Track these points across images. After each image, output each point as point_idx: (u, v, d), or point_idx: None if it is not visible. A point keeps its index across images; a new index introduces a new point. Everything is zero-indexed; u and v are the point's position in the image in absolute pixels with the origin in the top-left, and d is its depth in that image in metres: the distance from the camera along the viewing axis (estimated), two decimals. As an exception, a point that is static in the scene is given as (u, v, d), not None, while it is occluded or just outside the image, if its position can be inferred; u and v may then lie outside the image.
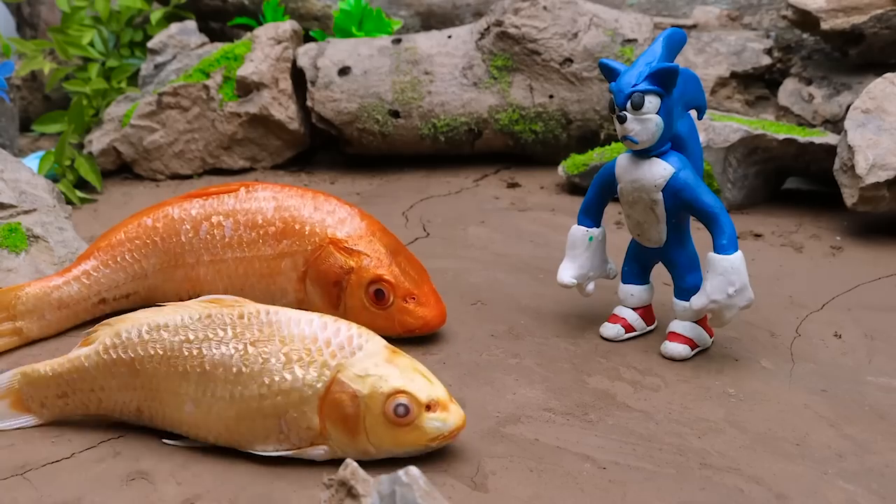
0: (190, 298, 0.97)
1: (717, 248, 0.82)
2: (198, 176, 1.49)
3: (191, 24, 1.59)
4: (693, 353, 0.88)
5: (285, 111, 1.47)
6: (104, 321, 0.78)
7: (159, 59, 1.55)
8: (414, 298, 0.90)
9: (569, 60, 1.41)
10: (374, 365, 0.71)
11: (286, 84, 1.48)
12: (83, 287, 0.95)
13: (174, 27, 1.57)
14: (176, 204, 0.97)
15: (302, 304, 0.93)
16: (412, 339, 0.90)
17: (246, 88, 1.47)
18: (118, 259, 0.96)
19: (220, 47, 1.52)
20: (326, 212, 0.94)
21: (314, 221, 0.93)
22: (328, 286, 0.91)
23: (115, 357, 0.75)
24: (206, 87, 1.47)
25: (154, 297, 0.98)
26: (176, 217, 0.96)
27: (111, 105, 1.52)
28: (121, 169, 1.50)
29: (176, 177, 1.49)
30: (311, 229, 0.93)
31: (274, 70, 1.47)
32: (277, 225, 0.93)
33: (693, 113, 0.88)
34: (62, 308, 0.94)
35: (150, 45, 1.56)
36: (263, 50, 1.48)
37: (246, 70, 1.46)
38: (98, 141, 1.49)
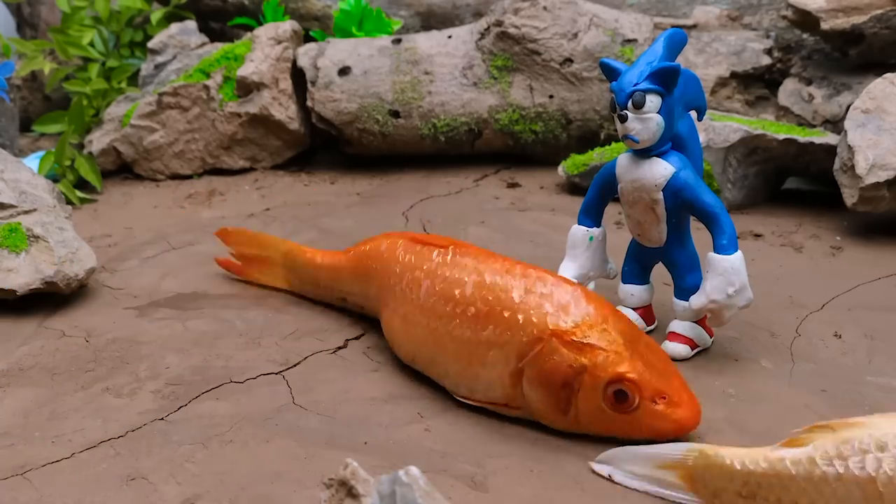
0: (389, 346, 0.88)
1: (717, 248, 0.82)
2: (198, 176, 1.49)
3: (191, 24, 1.59)
4: (693, 353, 0.88)
5: (285, 111, 1.47)
6: (822, 423, 0.64)
7: (159, 59, 1.55)
8: (664, 398, 0.73)
9: (569, 60, 1.41)
10: None
11: (286, 84, 1.48)
12: (332, 280, 0.98)
13: (174, 27, 1.57)
14: (407, 240, 0.88)
15: (514, 404, 0.78)
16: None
17: (246, 88, 1.47)
18: (358, 268, 0.94)
19: (220, 47, 1.52)
20: (542, 295, 0.77)
21: (529, 308, 0.76)
22: (555, 388, 0.74)
23: (839, 471, 0.60)
24: (207, 87, 1.47)
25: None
26: (396, 253, 0.88)
27: (111, 105, 1.52)
28: (121, 169, 1.51)
29: (176, 177, 1.49)
30: (524, 318, 0.76)
31: (274, 70, 1.47)
32: (479, 306, 0.78)
33: (693, 114, 0.88)
34: (314, 285, 1.00)
35: (150, 45, 1.56)
36: (263, 50, 1.48)
37: (246, 70, 1.46)
38: (98, 141, 1.49)
